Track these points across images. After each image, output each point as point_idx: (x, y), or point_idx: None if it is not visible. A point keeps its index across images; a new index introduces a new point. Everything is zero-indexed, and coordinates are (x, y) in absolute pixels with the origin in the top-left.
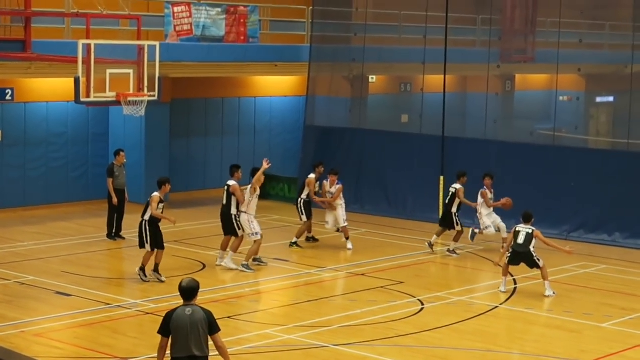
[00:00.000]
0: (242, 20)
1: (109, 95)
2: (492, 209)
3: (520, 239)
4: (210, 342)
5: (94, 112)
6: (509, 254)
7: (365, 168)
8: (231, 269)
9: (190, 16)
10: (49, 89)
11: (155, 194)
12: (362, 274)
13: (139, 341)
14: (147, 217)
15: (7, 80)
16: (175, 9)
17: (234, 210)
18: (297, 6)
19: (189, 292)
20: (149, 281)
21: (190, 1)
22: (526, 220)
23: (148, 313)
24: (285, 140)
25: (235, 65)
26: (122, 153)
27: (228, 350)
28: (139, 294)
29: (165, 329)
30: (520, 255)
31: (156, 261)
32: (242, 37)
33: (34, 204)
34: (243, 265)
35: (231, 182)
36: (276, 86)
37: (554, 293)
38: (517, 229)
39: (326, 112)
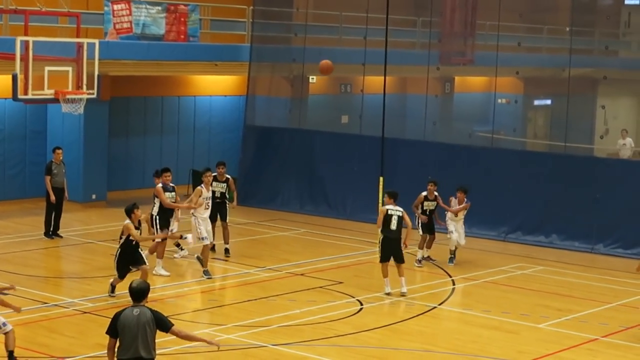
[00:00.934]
0: (182, 19)
1: (47, 92)
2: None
3: (394, 224)
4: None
5: (31, 109)
6: (380, 244)
7: (305, 168)
8: (162, 275)
9: (130, 14)
10: None
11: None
12: (302, 274)
13: (76, 340)
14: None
15: None
16: (115, 7)
17: (154, 211)
18: (238, 6)
19: (139, 293)
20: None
21: None
22: (394, 198)
23: (85, 312)
24: (225, 140)
25: (175, 64)
26: (58, 150)
27: (165, 349)
28: (76, 293)
29: (113, 330)
30: (393, 243)
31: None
32: (182, 36)
33: None
34: (204, 272)
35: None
36: (216, 85)
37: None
38: (389, 212)
39: (266, 112)
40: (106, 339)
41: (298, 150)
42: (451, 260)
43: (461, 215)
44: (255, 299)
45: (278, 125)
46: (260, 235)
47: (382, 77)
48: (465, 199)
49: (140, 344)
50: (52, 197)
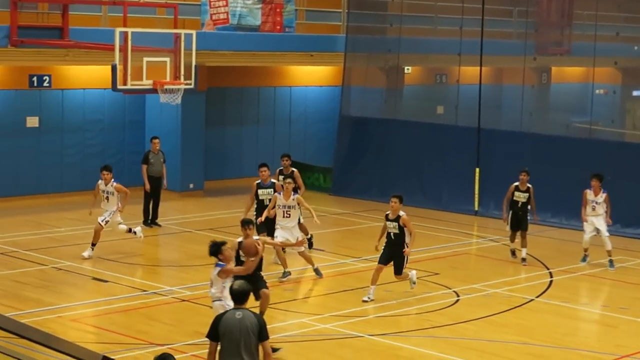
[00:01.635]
0: (278, 10)
1: (146, 83)
2: None
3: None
4: None
5: (130, 99)
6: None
7: (400, 159)
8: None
9: (227, 5)
10: (86, 76)
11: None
12: None
13: (174, 328)
14: None
15: (45, 67)
16: None
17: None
18: None
19: (241, 295)
20: None
21: None
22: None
23: (184, 300)
24: (320, 130)
25: (270, 55)
26: (155, 140)
27: None
28: (174, 281)
29: (214, 334)
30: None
31: None
32: (278, 27)
33: (70, 190)
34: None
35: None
36: (312, 76)
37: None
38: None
39: (361, 103)
40: (204, 326)
41: (393, 140)
42: (584, 259)
43: (600, 209)
44: (351, 289)
45: (373, 115)
46: (356, 225)
47: (478, 68)
48: (602, 189)
49: (244, 349)
50: (147, 186)
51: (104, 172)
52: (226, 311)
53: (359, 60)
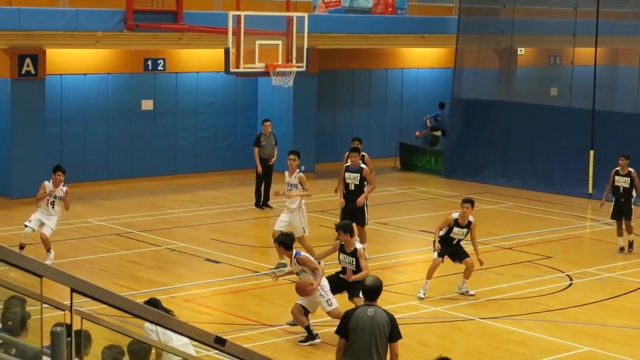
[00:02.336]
0: None
1: (258, 66)
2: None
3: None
4: None
5: (243, 82)
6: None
7: (512, 141)
8: None
9: None
10: (199, 59)
11: None
12: (509, 248)
13: (285, 309)
14: None
15: (160, 50)
16: None
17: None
18: None
19: (374, 291)
20: None
21: None
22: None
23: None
24: (432, 112)
25: (382, 37)
26: (267, 123)
27: None
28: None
29: (344, 330)
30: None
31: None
32: (390, 9)
33: (184, 172)
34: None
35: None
36: (423, 58)
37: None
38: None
39: (473, 85)
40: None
41: (505, 122)
42: None
43: None
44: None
45: (485, 97)
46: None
47: (593, 49)
48: None
49: (374, 347)
50: (259, 168)
51: (59, 173)
52: (357, 307)
53: (471, 42)
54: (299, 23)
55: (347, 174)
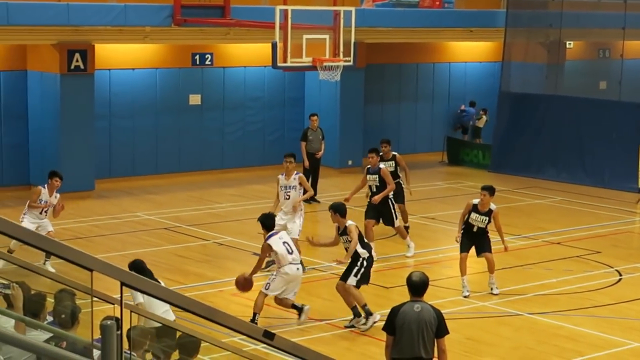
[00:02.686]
0: None
1: (305, 60)
2: None
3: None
4: None
5: (290, 76)
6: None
7: (561, 135)
8: None
9: None
10: (246, 54)
11: None
12: (558, 243)
13: (332, 303)
14: None
15: (207, 45)
16: None
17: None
18: None
19: (421, 286)
20: None
21: None
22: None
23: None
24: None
25: (429, 31)
26: (314, 117)
27: None
28: (332, 257)
29: (391, 326)
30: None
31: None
32: (437, 3)
33: (231, 166)
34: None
35: None
36: (471, 52)
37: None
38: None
39: (521, 78)
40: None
41: (554, 116)
42: None
43: None
44: (511, 267)
45: (533, 91)
46: (515, 202)
47: None
48: None
49: (421, 343)
50: (306, 163)
51: (56, 179)
52: (404, 303)
53: (520, 35)
54: (346, 17)
55: (368, 176)
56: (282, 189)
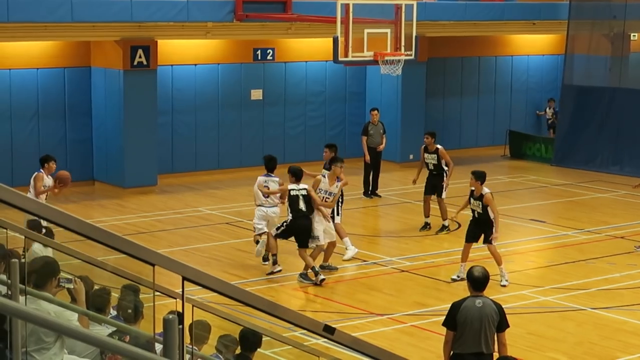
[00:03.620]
0: None
1: (367, 54)
2: None
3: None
4: None
5: (351, 71)
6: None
7: (625, 128)
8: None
9: None
10: (307, 48)
11: None
12: (622, 237)
13: (394, 298)
14: None
15: (269, 40)
16: None
17: None
18: None
19: (482, 281)
20: None
21: None
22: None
23: (403, 271)
24: (542, 100)
25: (492, 24)
26: (374, 112)
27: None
28: (394, 252)
29: (452, 322)
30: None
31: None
32: None
33: (293, 161)
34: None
35: None
36: (533, 44)
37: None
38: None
39: (585, 71)
40: (423, 297)
41: (618, 109)
42: None
43: None
44: (573, 262)
45: (597, 84)
46: (578, 197)
47: None
48: None
49: (482, 339)
50: (367, 157)
51: (52, 162)
52: (465, 299)
53: (583, 27)
54: (408, 11)
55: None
56: (321, 192)
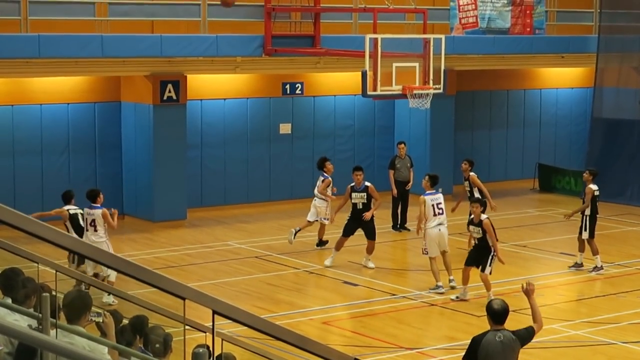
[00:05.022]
0: (527, 12)
1: (395, 88)
2: None
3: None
4: None
5: (380, 105)
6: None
7: None
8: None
9: (476, 8)
10: (336, 82)
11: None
12: None
13: (423, 332)
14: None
15: (298, 74)
16: (461, 2)
17: None
18: None
19: (501, 315)
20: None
21: None
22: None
23: (433, 305)
24: (571, 133)
25: (520, 57)
26: (401, 145)
27: None
28: (423, 285)
29: (473, 356)
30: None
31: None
32: (528, 29)
33: None
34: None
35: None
36: (562, 77)
37: None
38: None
39: (614, 104)
40: (453, 331)
41: None
42: None
43: None
44: (604, 295)
45: (627, 117)
46: (609, 230)
47: None
48: None
49: None
50: (394, 191)
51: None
52: (485, 332)
53: (612, 60)
54: (436, 45)
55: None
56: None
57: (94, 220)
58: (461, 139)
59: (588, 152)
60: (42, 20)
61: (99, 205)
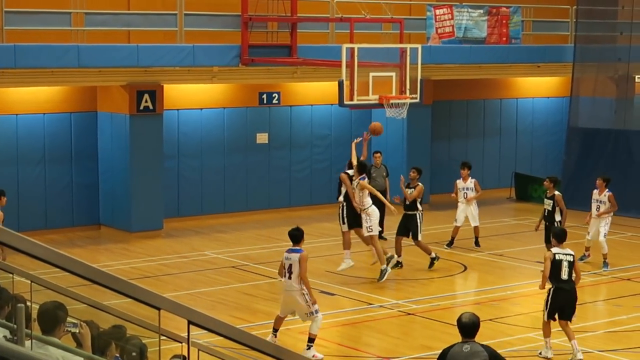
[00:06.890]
0: (504, 21)
1: (372, 98)
2: None
3: (564, 272)
4: None
5: (357, 114)
6: (550, 298)
7: (632, 171)
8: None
9: (452, 18)
10: (313, 92)
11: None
12: (628, 279)
13: (400, 341)
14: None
15: (275, 84)
16: (437, 12)
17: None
18: (561, 6)
19: (471, 328)
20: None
21: (452, 3)
22: (561, 240)
23: (409, 314)
24: (548, 142)
25: (497, 67)
26: (377, 154)
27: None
28: (400, 295)
29: None
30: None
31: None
32: (504, 38)
33: (299, 205)
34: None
35: None
36: (538, 87)
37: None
38: (557, 257)
39: (590, 113)
40: (430, 340)
41: (623, 152)
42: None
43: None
44: (580, 304)
45: (603, 126)
46: (584, 238)
47: None
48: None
49: None
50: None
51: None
52: (453, 345)
53: (588, 70)
54: (413, 54)
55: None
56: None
57: None
58: (438, 149)
59: (564, 162)
60: (18, 30)
61: None
